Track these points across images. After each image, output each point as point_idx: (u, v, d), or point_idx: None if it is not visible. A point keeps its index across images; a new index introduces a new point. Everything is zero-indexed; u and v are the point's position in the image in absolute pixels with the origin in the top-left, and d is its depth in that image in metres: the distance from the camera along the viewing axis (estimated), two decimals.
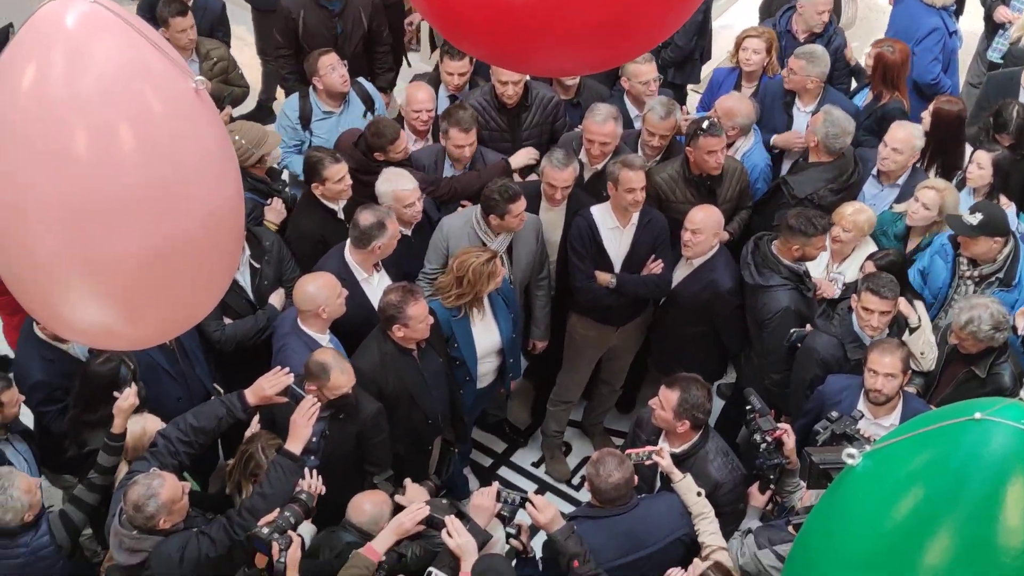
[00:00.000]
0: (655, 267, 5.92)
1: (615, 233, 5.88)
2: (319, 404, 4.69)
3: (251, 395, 4.67)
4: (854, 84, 7.40)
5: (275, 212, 6.10)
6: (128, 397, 4.71)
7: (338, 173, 5.80)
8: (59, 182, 2.88)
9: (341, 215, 5.93)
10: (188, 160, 3.03)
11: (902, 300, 5.34)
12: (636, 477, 4.61)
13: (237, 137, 6.00)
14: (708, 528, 4.68)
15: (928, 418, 3.03)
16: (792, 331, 5.58)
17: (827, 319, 5.50)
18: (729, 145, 6.50)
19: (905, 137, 6.12)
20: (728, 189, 6.23)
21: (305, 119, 6.74)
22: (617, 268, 5.92)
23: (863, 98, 7.03)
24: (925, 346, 5.44)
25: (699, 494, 4.74)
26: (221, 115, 6.27)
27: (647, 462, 4.81)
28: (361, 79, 7.00)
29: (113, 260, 3.01)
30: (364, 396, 5.09)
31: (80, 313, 3.20)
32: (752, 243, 5.81)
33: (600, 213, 5.86)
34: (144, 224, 2.99)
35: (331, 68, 6.63)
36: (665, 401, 4.84)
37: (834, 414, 4.77)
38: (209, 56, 7.18)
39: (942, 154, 6.45)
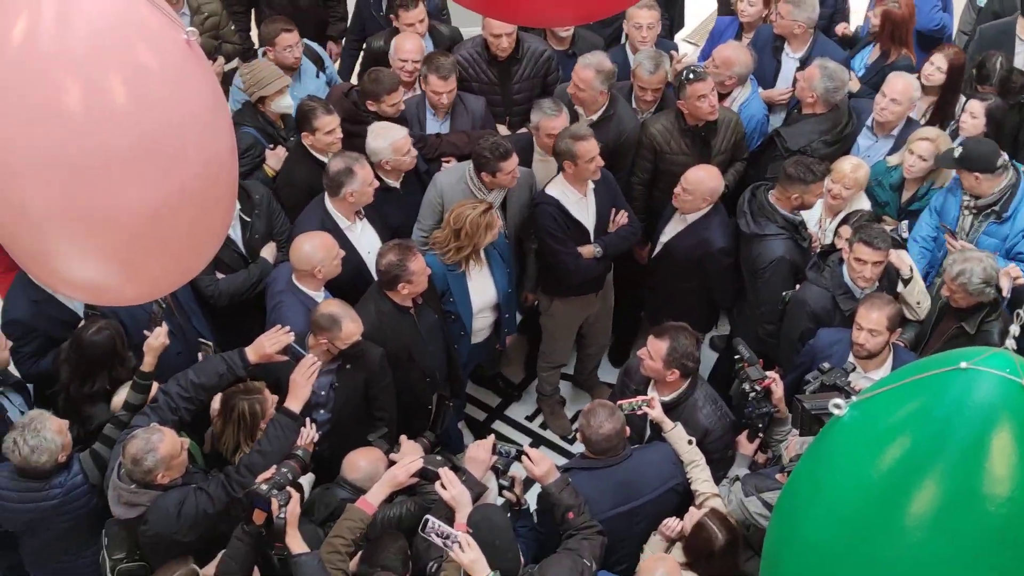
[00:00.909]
0: (621, 219, 6.04)
1: (581, 205, 5.92)
2: (319, 363, 4.77)
3: (252, 353, 4.73)
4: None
5: (275, 157, 6.16)
6: (159, 336, 4.79)
7: (329, 124, 5.85)
8: (52, 139, 2.92)
9: None
10: (182, 114, 3.07)
11: (893, 251, 5.40)
12: (626, 428, 4.70)
13: (246, 71, 6.22)
14: (701, 476, 4.80)
15: (914, 368, 3.07)
16: (785, 293, 5.64)
17: (818, 271, 5.57)
18: (726, 95, 6.53)
19: (904, 88, 6.16)
20: (723, 140, 6.28)
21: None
22: (592, 237, 5.98)
23: (865, 56, 7.04)
24: (920, 295, 5.51)
25: (690, 442, 4.85)
26: (216, 65, 6.31)
27: (638, 412, 4.91)
28: (306, 40, 6.90)
29: (108, 216, 3.06)
30: (366, 342, 5.15)
31: (76, 270, 3.27)
32: (749, 192, 5.86)
33: (559, 191, 5.84)
34: (139, 180, 3.04)
35: (289, 48, 6.59)
36: (654, 351, 4.93)
37: (825, 365, 4.85)
38: (200, 10, 7.15)
39: (945, 105, 6.52)
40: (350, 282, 5.62)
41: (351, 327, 4.93)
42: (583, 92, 6.14)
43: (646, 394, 5.04)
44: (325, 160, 5.89)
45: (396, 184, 5.99)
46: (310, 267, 5.26)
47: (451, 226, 5.55)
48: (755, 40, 7.02)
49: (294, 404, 4.64)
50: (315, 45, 7.05)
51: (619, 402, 4.93)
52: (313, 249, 5.27)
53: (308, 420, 4.78)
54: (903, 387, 2.99)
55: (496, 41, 6.47)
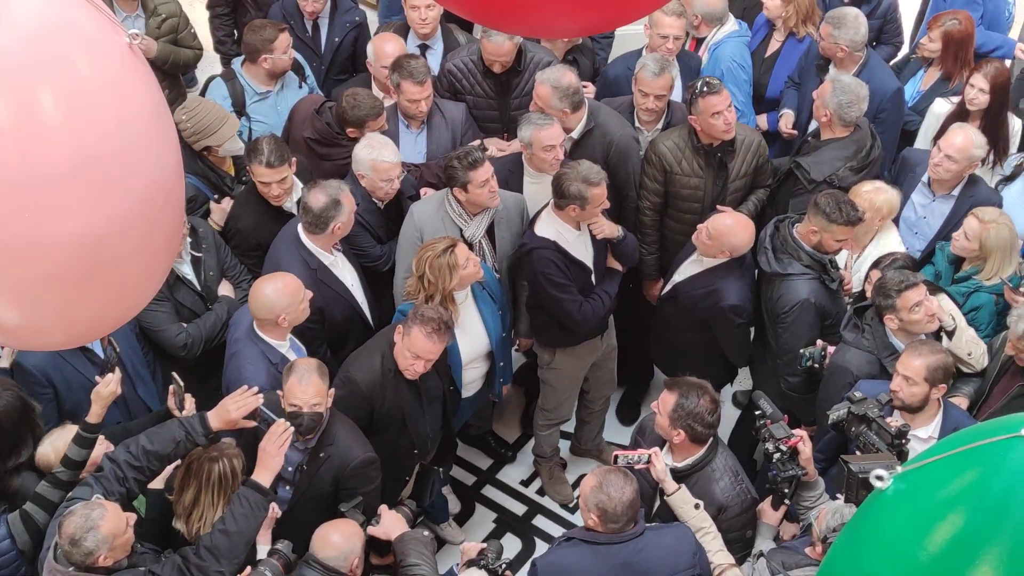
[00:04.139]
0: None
1: (579, 242, 5.80)
2: (291, 429, 4.64)
3: (214, 418, 4.58)
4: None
5: (220, 212, 6.05)
6: (110, 383, 4.64)
7: (271, 176, 5.73)
8: None
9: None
10: (122, 128, 2.98)
11: (933, 300, 5.27)
12: (639, 499, 4.56)
13: (184, 117, 5.95)
14: (712, 545, 4.70)
15: (968, 435, 2.98)
16: (803, 352, 5.48)
17: (857, 332, 5.40)
18: (701, 40, 6.50)
19: (963, 145, 5.98)
20: (742, 163, 6.19)
21: (239, 104, 6.66)
22: (594, 276, 5.87)
23: (918, 81, 7.00)
24: (970, 345, 5.40)
25: (697, 507, 4.74)
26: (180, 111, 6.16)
27: (637, 466, 4.80)
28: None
29: (35, 246, 2.96)
30: (356, 439, 5.00)
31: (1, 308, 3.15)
32: (772, 226, 5.76)
33: (553, 231, 5.72)
34: (72, 204, 2.94)
35: (287, 50, 6.56)
36: (663, 404, 4.84)
37: (857, 394, 4.75)
38: (157, 12, 7.12)
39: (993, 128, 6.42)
40: (345, 321, 5.58)
41: (295, 388, 4.75)
42: (545, 111, 6.04)
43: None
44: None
45: (379, 205, 5.96)
46: (273, 315, 5.11)
47: (415, 272, 5.45)
48: (806, 53, 7.02)
49: (264, 476, 4.51)
50: (296, 54, 6.99)
51: (615, 452, 4.85)
52: (276, 294, 5.11)
53: None
54: (956, 456, 2.89)
55: (495, 60, 6.42)
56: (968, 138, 6.02)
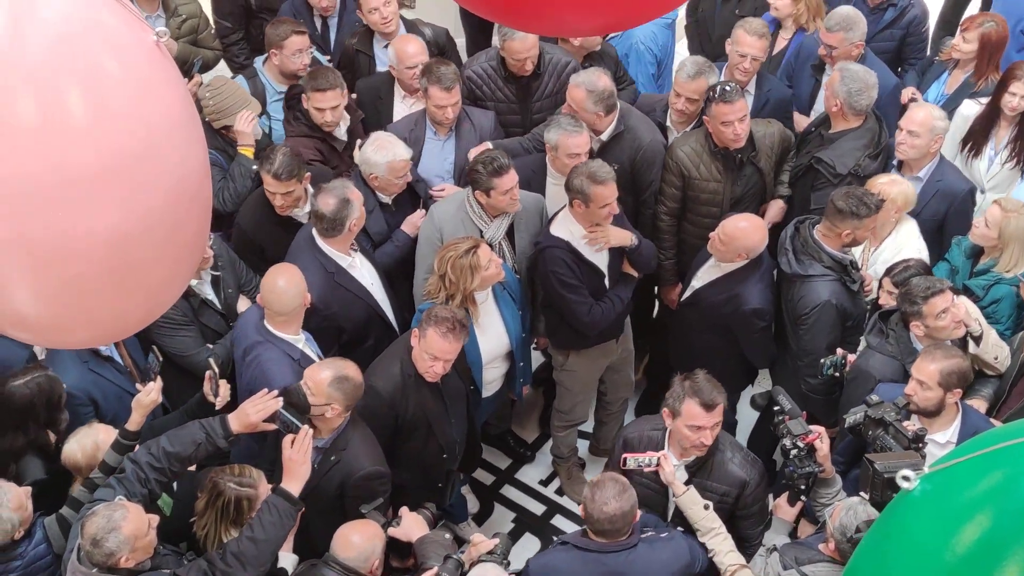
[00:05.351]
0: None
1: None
2: (311, 432, 4.62)
3: (235, 421, 4.57)
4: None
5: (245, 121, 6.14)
6: (151, 392, 4.67)
7: (280, 188, 5.74)
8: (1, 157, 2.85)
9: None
10: (151, 128, 3.00)
11: (959, 305, 5.24)
12: (636, 512, 4.52)
13: (208, 95, 6.01)
14: (723, 546, 4.70)
15: (994, 436, 2.99)
16: (823, 361, 5.46)
17: (881, 336, 5.39)
18: None
19: (924, 119, 6.00)
20: (766, 164, 6.18)
21: (261, 102, 6.62)
22: (607, 280, 5.85)
23: (942, 84, 6.95)
24: (995, 349, 5.37)
25: (706, 507, 4.75)
26: (189, 84, 6.27)
27: (646, 469, 4.82)
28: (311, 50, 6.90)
29: (62, 245, 2.98)
30: (369, 450, 4.97)
31: (24, 307, 3.18)
32: (792, 227, 5.75)
33: (567, 231, 5.70)
34: (100, 203, 2.97)
35: (298, 53, 6.57)
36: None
37: (874, 397, 4.74)
38: (177, 12, 7.11)
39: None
40: (366, 322, 5.58)
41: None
42: (578, 114, 6.02)
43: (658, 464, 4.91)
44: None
45: (388, 200, 5.97)
46: (294, 305, 5.15)
47: (436, 271, 5.46)
48: (796, 55, 6.99)
49: (293, 485, 4.47)
50: (318, 54, 7.02)
51: (624, 455, 4.86)
52: (289, 283, 5.15)
53: None
54: (982, 457, 2.91)
55: (518, 64, 6.40)
56: (928, 112, 6.06)
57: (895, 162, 6.19)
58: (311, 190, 5.81)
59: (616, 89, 6.19)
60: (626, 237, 5.74)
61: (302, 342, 5.26)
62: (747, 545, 5.04)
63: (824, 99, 6.33)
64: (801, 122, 6.79)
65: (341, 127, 6.30)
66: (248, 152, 6.06)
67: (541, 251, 5.74)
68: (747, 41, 6.44)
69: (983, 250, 5.84)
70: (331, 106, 6.12)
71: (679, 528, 4.85)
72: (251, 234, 5.93)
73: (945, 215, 6.08)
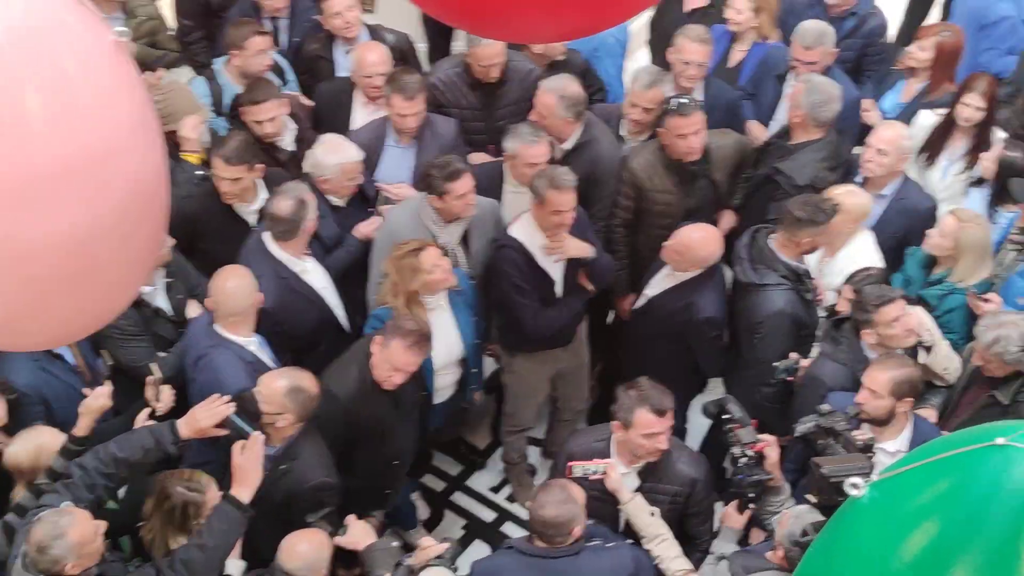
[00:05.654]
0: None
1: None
2: (263, 438, 4.60)
3: (184, 426, 4.54)
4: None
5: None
6: (100, 396, 4.64)
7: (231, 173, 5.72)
8: None
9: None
10: (109, 128, 2.98)
11: (911, 314, 5.31)
12: (580, 522, 4.53)
13: (157, 98, 5.95)
14: (669, 552, 4.76)
15: (943, 444, 3.01)
16: (776, 364, 5.52)
17: (833, 343, 5.46)
18: None
19: (893, 137, 6.08)
20: (719, 177, 6.24)
21: (217, 103, 6.65)
22: (559, 288, 5.86)
23: (897, 92, 7.04)
24: (946, 360, 5.45)
25: (652, 514, 4.80)
26: (153, 76, 6.17)
27: (592, 477, 4.85)
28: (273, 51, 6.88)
29: (22, 248, 2.94)
30: (319, 462, 4.95)
31: None
32: (748, 236, 5.79)
33: (525, 234, 5.72)
34: (55, 206, 2.92)
35: (260, 54, 6.53)
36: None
37: (825, 407, 4.78)
38: (136, 13, 7.06)
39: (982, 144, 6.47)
40: (319, 328, 5.58)
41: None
42: (546, 120, 6.05)
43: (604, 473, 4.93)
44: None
45: (342, 203, 5.97)
46: (245, 305, 5.11)
47: (385, 272, 5.48)
48: (762, 64, 7.02)
49: (243, 492, 4.44)
50: (277, 55, 6.99)
51: (571, 464, 4.87)
52: (240, 284, 5.12)
53: None
54: (930, 465, 2.92)
55: (484, 70, 6.41)
56: (897, 131, 6.13)
57: (860, 179, 6.22)
58: (263, 190, 5.77)
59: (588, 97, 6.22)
60: (584, 249, 5.75)
61: (254, 344, 5.24)
62: (696, 543, 5.11)
63: (787, 109, 6.37)
64: (755, 130, 6.83)
65: (286, 137, 6.26)
66: (192, 158, 6.00)
67: (496, 249, 5.76)
68: (690, 48, 6.46)
69: (936, 260, 5.89)
70: (268, 118, 6.08)
71: (629, 540, 4.87)
72: (190, 216, 5.73)
73: (907, 232, 6.13)
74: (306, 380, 4.82)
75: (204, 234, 5.72)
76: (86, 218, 2.96)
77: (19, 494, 4.60)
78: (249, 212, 5.84)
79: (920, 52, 6.91)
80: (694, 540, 5.12)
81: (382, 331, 5.14)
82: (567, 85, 6.05)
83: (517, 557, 4.60)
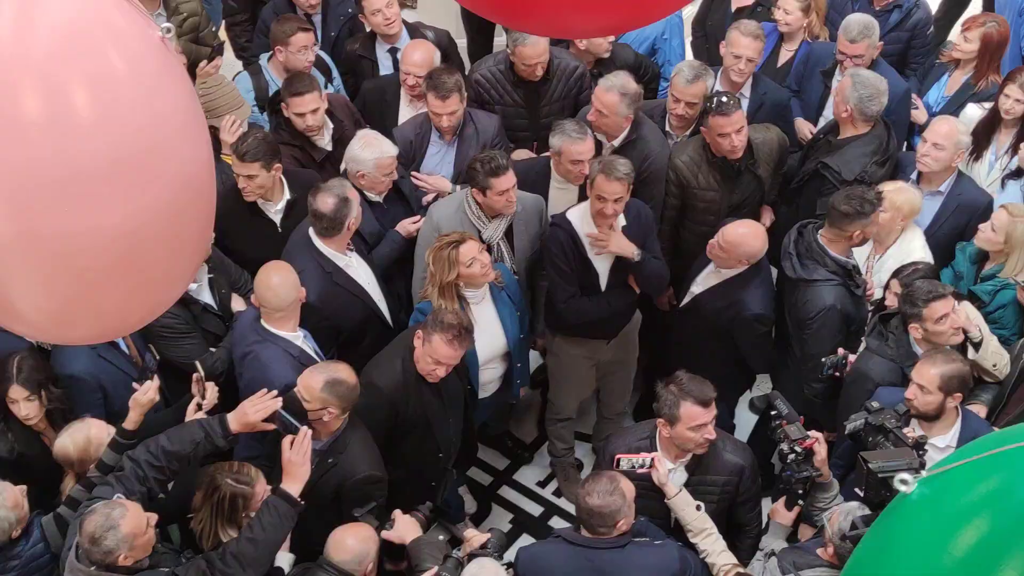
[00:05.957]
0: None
1: None
2: (310, 433, 4.63)
3: (234, 420, 4.58)
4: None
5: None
6: (148, 391, 4.68)
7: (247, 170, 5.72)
8: (6, 152, 2.85)
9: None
10: (157, 123, 3.01)
11: (960, 309, 5.25)
12: (626, 516, 4.52)
13: (201, 92, 5.97)
14: (715, 546, 4.75)
15: (992, 440, 3.02)
16: (824, 359, 5.48)
17: (880, 339, 5.40)
18: None
19: (949, 132, 6.00)
20: (764, 173, 6.19)
21: (262, 99, 6.70)
22: (603, 280, 5.84)
23: (942, 86, 6.95)
24: (994, 356, 5.38)
25: (698, 508, 4.80)
26: (207, 67, 6.21)
27: (639, 470, 4.83)
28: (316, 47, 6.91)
29: (73, 242, 2.99)
30: (367, 455, 4.98)
31: (28, 303, 3.18)
32: (795, 231, 5.76)
33: (579, 219, 5.72)
34: (105, 199, 2.97)
35: (303, 50, 6.55)
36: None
37: (875, 404, 4.72)
38: (178, 10, 7.10)
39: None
40: (363, 322, 5.60)
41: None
42: (606, 118, 6.04)
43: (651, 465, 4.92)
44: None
45: (379, 199, 5.98)
46: (290, 300, 5.15)
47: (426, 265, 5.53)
48: (806, 61, 6.98)
49: (293, 486, 4.48)
50: (323, 53, 7.02)
51: (618, 456, 4.87)
52: (283, 280, 5.16)
53: None
54: (980, 461, 2.93)
55: (528, 69, 6.40)
56: (952, 125, 6.05)
57: (914, 175, 6.17)
58: (287, 189, 5.82)
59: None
60: (628, 249, 5.71)
61: (300, 339, 5.27)
62: (746, 530, 5.12)
63: (833, 104, 6.32)
64: (803, 128, 6.79)
65: (324, 135, 6.28)
66: (230, 159, 6.02)
67: (551, 226, 5.80)
68: (742, 42, 6.43)
69: (988, 255, 5.83)
70: (311, 109, 6.10)
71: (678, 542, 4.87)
72: (217, 214, 5.79)
73: (965, 228, 6.06)
74: (342, 371, 4.84)
75: (228, 232, 5.73)
76: (135, 212, 3.00)
77: (69, 486, 4.68)
78: (274, 211, 5.88)
79: (966, 44, 6.81)
80: (744, 528, 5.13)
81: (423, 324, 5.17)
82: (626, 82, 6.03)
83: (562, 545, 4.61)
